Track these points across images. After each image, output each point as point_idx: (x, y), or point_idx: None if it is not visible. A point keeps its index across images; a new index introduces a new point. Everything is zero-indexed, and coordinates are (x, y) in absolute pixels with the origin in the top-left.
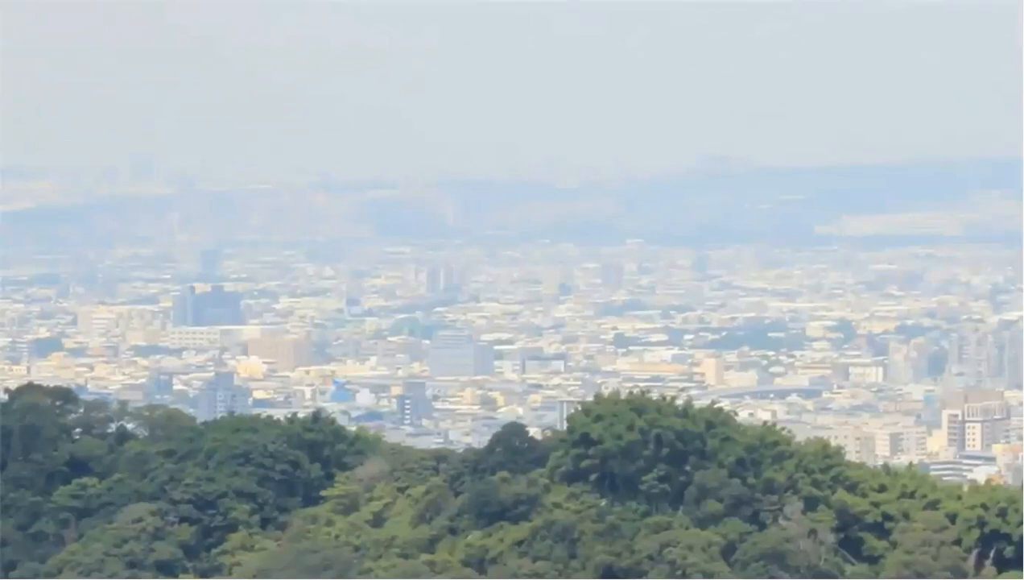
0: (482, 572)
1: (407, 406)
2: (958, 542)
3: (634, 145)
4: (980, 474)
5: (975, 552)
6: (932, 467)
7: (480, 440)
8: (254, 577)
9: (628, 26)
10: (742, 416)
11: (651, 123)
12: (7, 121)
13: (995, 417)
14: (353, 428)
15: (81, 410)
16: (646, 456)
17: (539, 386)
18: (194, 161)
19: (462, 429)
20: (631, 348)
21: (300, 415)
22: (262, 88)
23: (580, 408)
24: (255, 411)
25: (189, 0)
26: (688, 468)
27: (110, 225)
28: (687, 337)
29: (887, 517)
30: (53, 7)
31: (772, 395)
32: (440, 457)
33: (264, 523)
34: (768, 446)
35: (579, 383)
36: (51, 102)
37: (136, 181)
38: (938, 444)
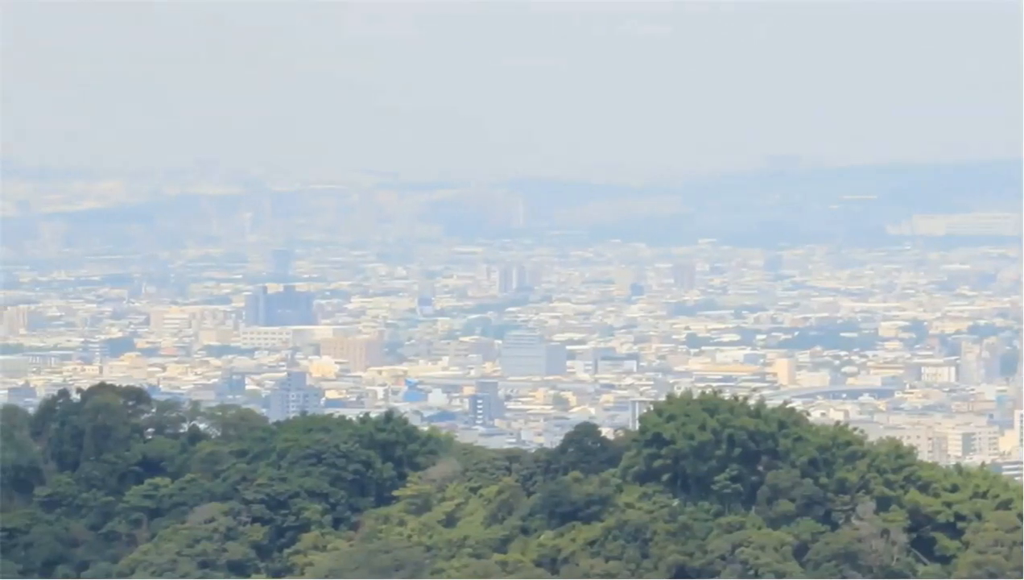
0: (554, 572)
1: (479, 406)
2: None
3: (703, 145)
4: None
5: None
6: (1004, 467)
7: (552, 440)
8: (326, 577)
9: (695, 26)
10: (814, 416)
11: (718, 122)
12: (76, 122)
13: None
14: (425, 428)
15: (153, 410)
16: (718, 456)
17: (611, 386)
18: (262, 161)
19: (534, 429)
20: (703, 348)
21: (372, 415)
22: (329, 87)
23: (652, 408)
24: (327, 411)
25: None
26: (760, 468)
27: (180, 225)
28: (759, 337)
29: (959, 517)
30: (116, 9)
31: (844, 395)
32: (512, 457)
33: (336, 523)
34: (840, 446)
35: (651, 383)
36: (119, 103)
37: (204, 181)
38: (1010, 444)
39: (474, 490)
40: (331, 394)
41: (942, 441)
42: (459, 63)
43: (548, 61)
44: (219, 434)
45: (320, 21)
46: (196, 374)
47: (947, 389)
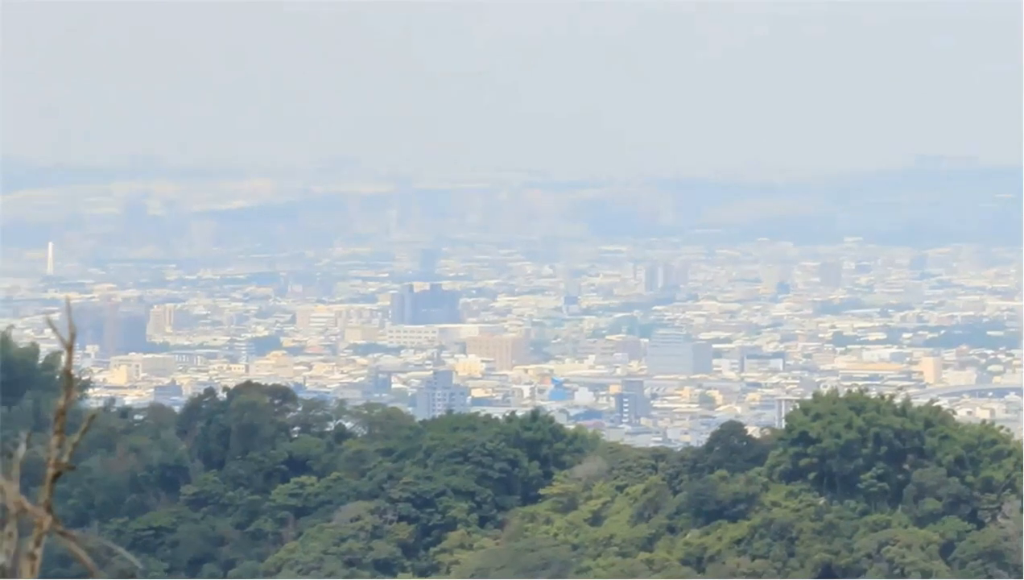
0: (700, 571)
1: (625, 404)
2: None
3: (849, 143)
4: None
5: None
6: None
7: (698, 439)
8: (472, 576)
9: (844, 25)
10: (960, 415)
11: (865, 120)
12: (223, 119)
13: None
14: (571, 427)
15: (299, 408)
16: (864, 454)
17: (757, 385)
18: (410, 159)
19: (680, 427)
20: (849, 347)
21: (519, 414)
22: (475, 86)
23: (799, 407)
24: (473, 409)
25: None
26: (906, 467)
27: (327, 223)
28: (905, 335)
29: None
30: (249, 10)
31: (990, 394)
32: (658, 455)
33: (482, 522)
34: (986, 445)
35: (797, 382)
36: (265, 101)
37: (352, 179)
38: None
39: (620, 488)
40: (477, 393)
41: None
42: (604, 61)
43: (693, 58)
44: (365, 432)
45: (460, 19)
46: (342, 373)
47: None
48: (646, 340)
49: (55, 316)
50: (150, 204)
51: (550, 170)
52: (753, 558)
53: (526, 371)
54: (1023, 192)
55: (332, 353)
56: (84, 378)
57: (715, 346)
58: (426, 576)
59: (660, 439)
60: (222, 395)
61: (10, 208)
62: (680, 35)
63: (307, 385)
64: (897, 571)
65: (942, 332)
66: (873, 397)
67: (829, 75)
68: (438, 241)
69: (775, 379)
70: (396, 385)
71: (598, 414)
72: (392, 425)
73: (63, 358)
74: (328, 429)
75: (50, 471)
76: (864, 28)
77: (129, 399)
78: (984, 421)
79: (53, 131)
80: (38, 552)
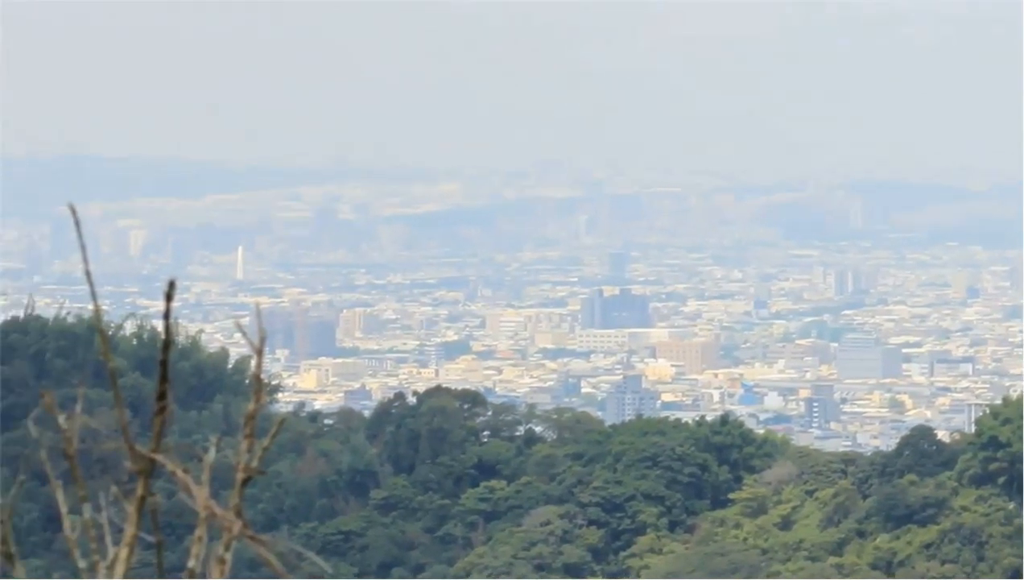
0: (890, 575)
1: (815, 409)
2: None
3: None
4: None
5: None
6: None
7: (888, 443)
8: None
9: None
10: None
11: None
12: (413, 123)
13: None
14: (761, 431)
15: (489, 413)
16: None
17: (947, 389)
18: (602, 163)
19: (870, 432)
20: None
21: (708, 418)
22: (661, 89)
23: (988, 411)
24: (663, 414)
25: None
26: None
27: (517, 227)
28: None
29: None
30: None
31: None
32: (848, 460)
33: (672, 526)
34: None
35: (987, 386)
36: (455, 105)
37: (543, 184)
38: None
39: (810, 493)
40: (667, 397)
41: None
42: (787, 62)
43: (883, 59)
44: (555, 437)
45: (636, 20)
46: (532, 377)
47: None
48: (836, 344)
49: (245, 321)
50: (340, 208)
51: (742, 174)
52: (942, 563)
53: (716, 375)
54: None
55: (522, 357)
56: (274, 382)
57: (904, 350)
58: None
59: (850, 443)
60: (412, 400)
61: (201, 213)
62: (871, 35)
63: (497, 389)
64: None
65: None
66: None
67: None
68: (628, 245)
69: (965, 383)
70: (586, 389)
71: (787, 418)
72: (582, 429)
73: (253, 362)
74: (518, 433)
75: (240, 476)
76: None
77: (319, 403)
78: None
79: (244, 135)
80: (228, 557)
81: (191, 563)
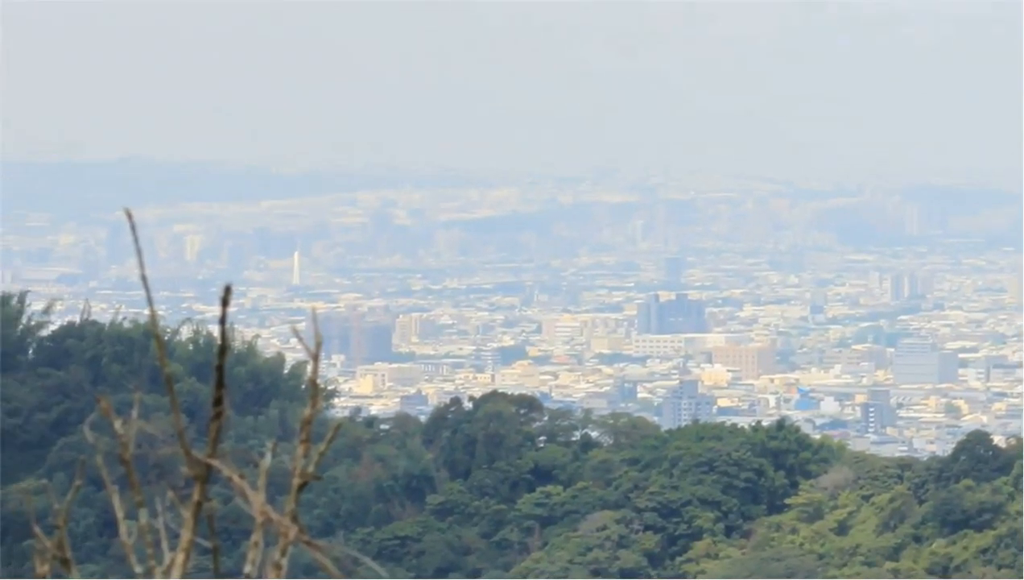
0: None
1: (871, 414)
2: None
3: None
4: None
5: None
6: None
7: (944, 448)
8: None
9: None
10: None
11: None
12: (470, 128)
13: None
14: (817, 436)
15: (545, 418)
16: None
17: (1003, 394)
18: (658, 169)
19: (926, 437)
20: None
21: (764, 423)
22: (716, 95)
23: None
24: (719, 419)
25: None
26: None
27: (573, 233)
28: None
29: None
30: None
31: None
32: (904, 465)
33: (728, 531)
34: None
35: None
36: (510, 110)
37: (598, 189)
38: None
39: (866, 498)
40: (723, 402)
41: None
42: (844, 68)
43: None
44: (611, 442)
45: (687, 23)
46: (588, 382)
47: None
48: (892, 350)
49: (301, 326)
50: (396, 213)
51: (798, 179)
52: (999, 567)
53: (772, 381)
54: None
55: (578, 362)
56: (330, 388)
57: (961, 355)
58: None
59: (906, 449)
60: (468, 405)
61: (256, 218)
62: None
63: (553, 394)
64: None
65: None
66: None
67: None
68: (683, 251)
69: (1020, 389)
70: (642, 394)
71: (843, 424)
72: (638, 434)
73: (309, 368)
74: (574, 439)
75: (296, 481)
76: None
77: (375, 409)
78: None
79: (299, 141)
80: (284, 562)
81: (247, 568)
